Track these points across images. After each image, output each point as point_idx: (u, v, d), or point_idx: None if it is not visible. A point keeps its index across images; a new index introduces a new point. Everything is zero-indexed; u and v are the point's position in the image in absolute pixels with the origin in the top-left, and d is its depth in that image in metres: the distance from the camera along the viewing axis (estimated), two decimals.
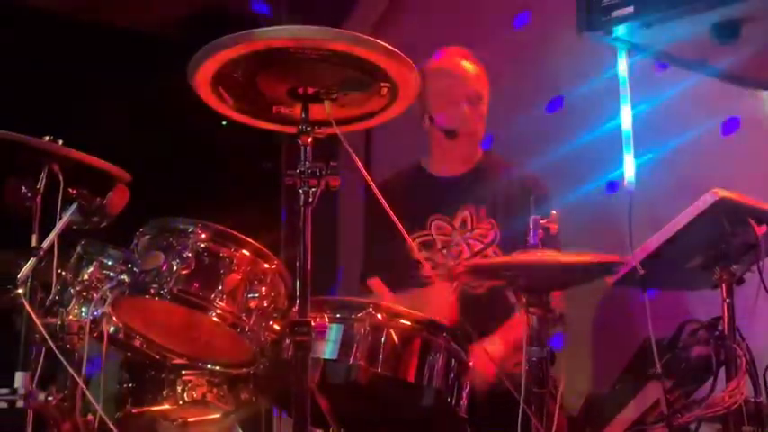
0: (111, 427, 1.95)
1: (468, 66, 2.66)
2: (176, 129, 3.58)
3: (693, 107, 2.67)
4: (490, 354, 2.24)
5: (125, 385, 2.47)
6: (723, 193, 1.96)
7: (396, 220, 1.89)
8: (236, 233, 2.04)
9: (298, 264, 1.74)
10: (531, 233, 1.99)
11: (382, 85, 1.76)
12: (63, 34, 3.53)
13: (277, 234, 3.78)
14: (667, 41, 1.20)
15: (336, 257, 4.11)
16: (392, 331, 2.01)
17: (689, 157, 2.80)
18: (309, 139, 1.75)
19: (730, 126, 2.75)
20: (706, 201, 1.96)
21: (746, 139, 2.76)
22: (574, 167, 2.97)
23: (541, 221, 2.00)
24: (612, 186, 2.90)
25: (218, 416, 2.31)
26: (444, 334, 2.07)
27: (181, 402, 2.36)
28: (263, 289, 2.01)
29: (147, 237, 2.10)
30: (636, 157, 1.50)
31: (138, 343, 2.25)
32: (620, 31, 1.20)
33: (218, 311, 1.97)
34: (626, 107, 1.41)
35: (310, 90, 1.77)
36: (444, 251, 2.62)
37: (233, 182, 3.92)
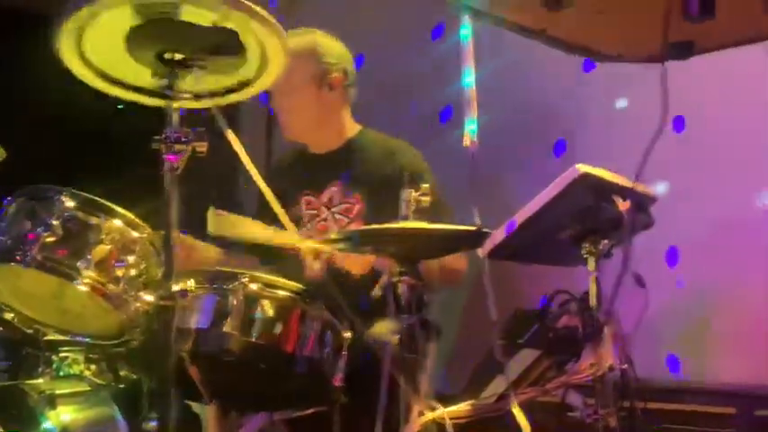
0: None
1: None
2: (58, 103, 3.49)
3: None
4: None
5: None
6: (585, 169, 2.03)
7: (267, 191, 1.90)
8: (104, 202, 2.02)
9: (164, 232, 1.73)
10: (403, 206, 2.03)
11: (249, 49, 1.75)
12: None
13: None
14: (506, 8, 1.24)
15: None
16: (266, 301, 2.03)
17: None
18: (175, 105, 1.74)
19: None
20: (568, 177, 2.02)
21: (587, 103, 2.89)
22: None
23: (413, 194, 2.03)
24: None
25: (89, 389, 2.27)
26: (319, 304, 2.10)
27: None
28: (133, 258, 2.00)
29: (14, 205, 2.06)
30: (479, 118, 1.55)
31: (8, 316, 2.20)
32: None
33: (86, 280, 1.95)
34: (469, 70, 1.46)
35: (177, 55, 1.75)
36: (309, 226, 2.65)
37: (123, 158, 3.84)
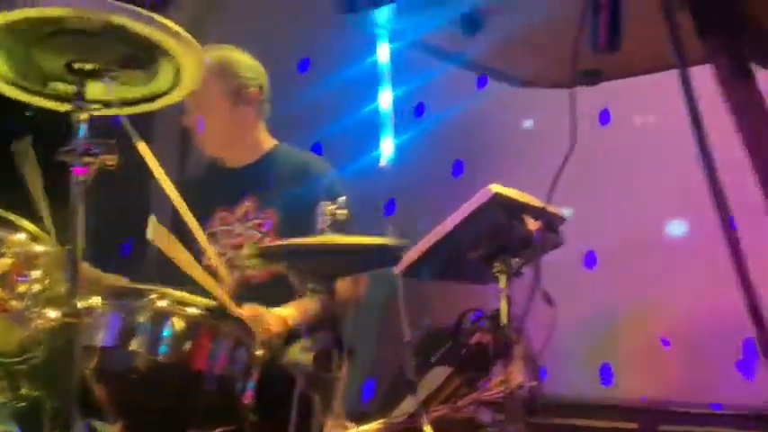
0: None
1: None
2: None
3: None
4: (285, 316, 2.28)
5: None
6: (497, 189, 2.07)
7: (181, 206, 1.86)
8: (6, 214, 1.94)
9: (69, 246, 1.68)
10: (319, 220, 2.01)
11: (164, 63, 1.73)
12: None
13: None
14: (424, 30, 1.26)
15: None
16: (176, 318, 1.99)
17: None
18: (84, 116, 1.69)
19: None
20: (481, 197, 2.06)
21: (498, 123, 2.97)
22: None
23: (329, 207, 2.02)
24: None
25: None
26: (231, 321, 2.07)
27: None
28: (37, 273, 1.92)
29: None
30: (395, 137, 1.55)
31: None
32: (380, 16, 1.24)
33: None
34: (386, 91, 1.47)
35: (88, 65, 1.71)
36: (224, 242, 2.61)
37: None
